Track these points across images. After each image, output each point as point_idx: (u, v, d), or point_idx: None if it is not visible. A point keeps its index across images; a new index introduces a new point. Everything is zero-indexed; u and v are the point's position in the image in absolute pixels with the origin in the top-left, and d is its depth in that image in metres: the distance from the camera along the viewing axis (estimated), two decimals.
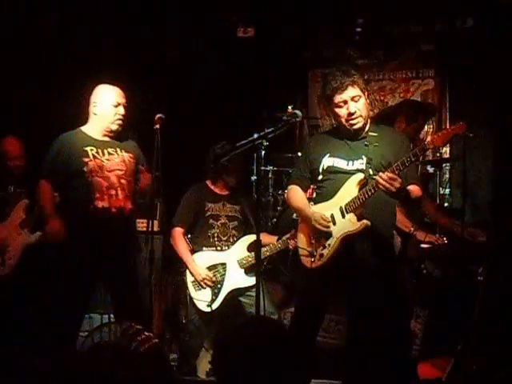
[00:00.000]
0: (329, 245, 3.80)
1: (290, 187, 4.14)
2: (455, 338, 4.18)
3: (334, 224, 3.80)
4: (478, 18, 6.34)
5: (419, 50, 6.86)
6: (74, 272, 4.36)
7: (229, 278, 4.92)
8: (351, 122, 3.82)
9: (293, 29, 6.76)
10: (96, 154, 4.46)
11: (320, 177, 3.95)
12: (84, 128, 4.59)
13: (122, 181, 4.49)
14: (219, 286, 4.89)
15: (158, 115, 4.40)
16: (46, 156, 4.50)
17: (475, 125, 5.40)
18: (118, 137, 4.60)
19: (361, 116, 3.82)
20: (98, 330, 4.82)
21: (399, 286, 4.20)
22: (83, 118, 4.63)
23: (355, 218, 3.76)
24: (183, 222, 5.03)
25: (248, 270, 4.93)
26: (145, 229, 5.64)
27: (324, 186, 3.94)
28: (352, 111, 3.79)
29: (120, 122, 4.53)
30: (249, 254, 4.92)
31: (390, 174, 3.54)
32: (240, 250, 4.96)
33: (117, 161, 4.51)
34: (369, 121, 3.96)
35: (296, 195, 4.06)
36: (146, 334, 2.61)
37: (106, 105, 4.50)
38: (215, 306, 4.85)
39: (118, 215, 4.43)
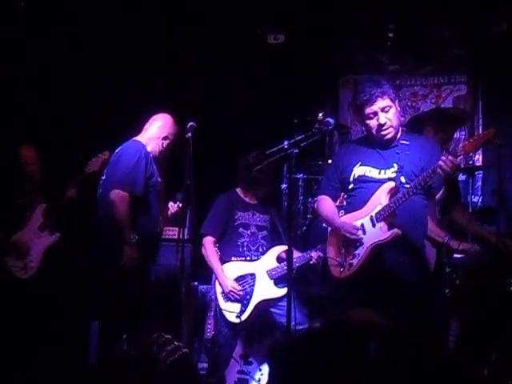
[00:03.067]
0: (358, 254, 3.77)
1: (319, 197, 4.13)
2: (488, 350, 4.11)
3: (364, 233, 3.77)
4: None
5: (451, 55, 6.78)
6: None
7: (258, 289, 4.87)
8: (382, 133, 3.80)
9: (324, 35, 6.73)
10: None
11: (351, 186, 3.92)
12: None
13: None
14: (248, 296, 4.85)
15: (190, 123, 4.42)
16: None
17: (509, 131, 5.34)
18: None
19: (391, 126, 3.79)
20: (128, 339, 4.85)
21: (433, 297, 4.14)
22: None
23: (386, 226, 3.73)
24: (214, 230, 4.99)
25: (277, 281, 4.88)
26: (175, 236, 5.70)
27: (355, 195, 3.92)
28: (382, 122, 3.77)
29: None
30: (278, 264, 4.89)
31: (451, 157, 3.48)
32: (269, 260, 4.92)
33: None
34: (400, 129, 3.92)
35: (325, 206, 4.04)
36: (176, 343, 2.62)
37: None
38: (244, 317, 4.81)
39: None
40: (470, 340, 4.43)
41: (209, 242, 4.96)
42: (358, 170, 3.88)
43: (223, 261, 4.96)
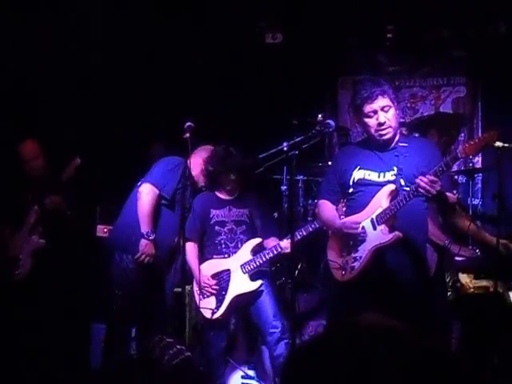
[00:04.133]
0: (360, 257, 3.76)
1: (319, 202, 4.12)
2: (490, 351, 4.11)
3: (366, 236, 3.76)
4: (511, 23, 6.25)
5: (450, 56, 6.77)
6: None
7: (232, 284, 4.80)
8: (381, 132, 3.77)
9: (322, 35, 6.72)
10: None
11: (350, 190, 3.91)
12: None
13: None
14: (223, 292, 4.80)
15: (188, 124, 4.40)
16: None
17: (509, 133, 5.33)
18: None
19: (390, 127, 3.77)
20: (130, 343, 4.85)
21: (435, 299, 4.13)
22: None
23: (387, 229, 3.72)
24: (191, 233, 4.90)
25: (252, 275, 4.79)
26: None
27: (355, 199, 3.90)
28: (382, 121, 3.74)
29: None
30: (252, 257, 4.78)
31: (431, 177, 3.49)
32: (244, 254, 4.82)
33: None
34: (398, 131, 3.91)
35: (325, 209, 4.03)
36: (178, 347, 2.61)
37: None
38: (219, 313, 4.76)
39: None
40: (471, 342, 4.43)
41: (188, 246, 4.87)
42: (358, 174, 3.87)
43: (205, 261, 4.91)
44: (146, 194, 4.74)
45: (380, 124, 3.75)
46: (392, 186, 3.73)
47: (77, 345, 5.22)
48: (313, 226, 4.66)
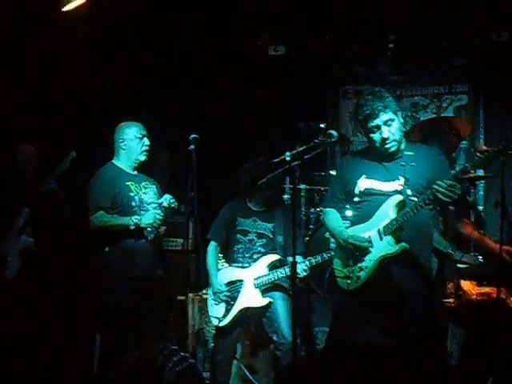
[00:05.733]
0: (366, 267, 3.76)
1: (325, 211, 4.12)
2: (493, 360, 4.10)
3: (372, 246, 3.75)
4: None
5: (452, 64, 6.78)
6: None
7: (242, 296, 4.83)
8: (385, 146, 3.78)
9: (323, 46, 6.75)
10: (136, 189, 4.69)
11: (356, 199, 3.90)
12: (115, 162, 4.80)
13: (162, 208, 4.70)
14: (232, 302, 4.83)
15: (193, 136, 4.42)
16: (95, 188, 4.65)
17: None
18: (145, 171, 4.82)
19: (395, 140, 3.77)
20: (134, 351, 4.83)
21: (436, 310, 4.14)
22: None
23: (393, 240, 3.71)
24: (216, 236, 5.02)
25: (265, 291, 4.81)
26: (177, 248, 5.72)
27: (361, 208, 3.89)
28: (385, 136, 3.75)
29: (147, 152, 4.76)
30: (267, 273, 4.80)
31: (449, 182, 3.48)
32: (259, 268, 4.85)
33: (152, 194, 4.76)
34: (403, 140, 3.90)
35: (332, 218, 4.04)
36: (182, 354, 2.62)
37: (133, 138, 4.72)
38: (225, 322, 4.79)
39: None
40: (474, 349, 4.42)
41: (210, 246, 5.02)
42: (363, 183, 3.86)
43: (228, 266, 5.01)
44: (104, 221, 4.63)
45: (384, 139, 3.76)
46: (399, 197, 3.71)
47: (72, 348, 5.13)
48: (328, 255, 4.66)
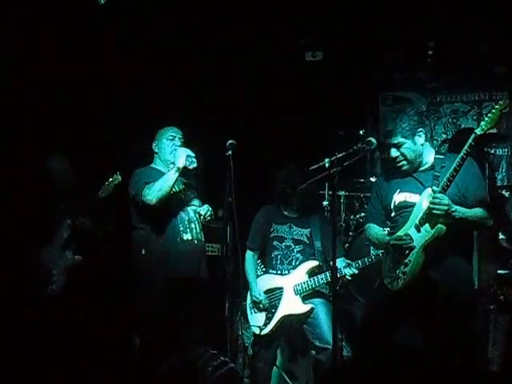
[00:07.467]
0: (410, 261, 3.85)
1: (366, 226, 4.28)
2: None
3: (412, 241, 3.85)
4: None
5: (492, 71, 6.73)
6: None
7: (283, 304, 4.82)
8: (396, 165, 3.99)
9: (363, 52, 6.74)
10: (176, 189, 4.71)
11: (393, 213, 4.06)
12: (152, 165, 4.88)
13: (197, 215, 4.79)
14: (273, 310, 4.82)
15: (230, 141, 4.44)
16: (136, 178, 4.70)
17: None
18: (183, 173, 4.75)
19: (405, 160, 3.95)
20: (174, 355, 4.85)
21: (475, 311, 4.14)
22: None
23: (430, 227, 3.80)
24: (253, 243, 5.04)
25: (304, 297, 4.80)
26: (214, 253, 5.72)
27: (398, 220, 4.02)
28: (393, 156, 3.96)
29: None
30: (306, 279, 4.79)
31: (437, 194, 3.69)
32: (299, 275, 4.83)
33: (191, 195, 4.82)
34: (432, 152, 4.03)
35: (373, 231, 4.18)
36: (222, 358, 2.63)
37: (164, 140, 4.81)
38: (266, 330, 4.79)
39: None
40: None
41: (248, 254, 5.04)
42: (398, 197, 4.01)
43: (265, 273, 5.00)
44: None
45: (393, 158, 3.97)
46: (429, 190, 3.82)
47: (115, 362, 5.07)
48: (369, 260, 4.67)
